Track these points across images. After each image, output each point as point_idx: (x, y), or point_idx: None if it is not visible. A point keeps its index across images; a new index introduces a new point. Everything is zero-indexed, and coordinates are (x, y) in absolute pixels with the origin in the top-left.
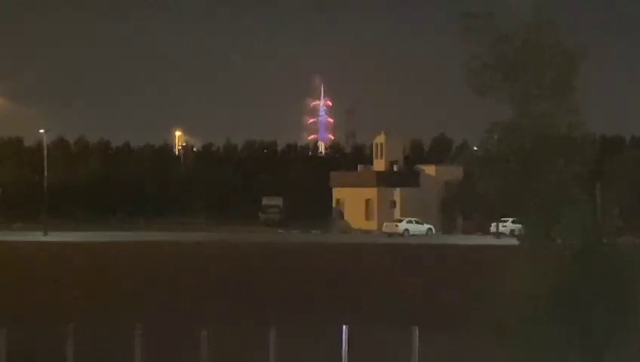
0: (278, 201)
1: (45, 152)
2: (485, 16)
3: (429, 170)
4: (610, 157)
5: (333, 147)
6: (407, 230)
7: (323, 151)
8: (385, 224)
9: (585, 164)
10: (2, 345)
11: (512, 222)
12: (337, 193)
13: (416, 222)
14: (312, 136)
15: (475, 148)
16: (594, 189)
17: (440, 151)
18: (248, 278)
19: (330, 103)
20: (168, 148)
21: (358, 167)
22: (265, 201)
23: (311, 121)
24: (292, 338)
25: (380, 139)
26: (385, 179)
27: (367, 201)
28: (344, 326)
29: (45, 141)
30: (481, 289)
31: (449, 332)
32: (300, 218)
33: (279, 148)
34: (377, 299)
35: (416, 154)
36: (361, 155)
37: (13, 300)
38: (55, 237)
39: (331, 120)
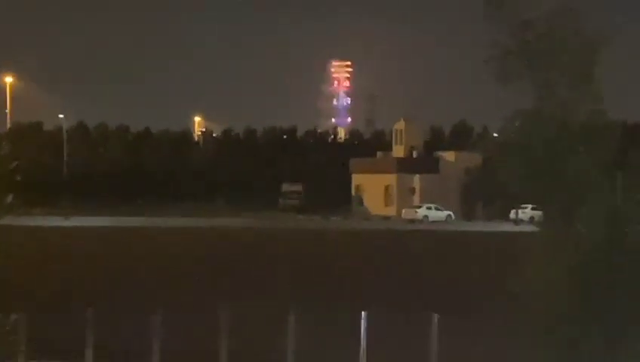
0: (297, 187)
1: (65, 137)
2: (508, 2)
3: (449, 156)
4: (633, 145)
5: (352, 133)
6: (426, 216)
7: (342, 137)
8: (404, 210)
9: (607, 151)
10: (22, 331)
11: (532, 208)
12: (357, 179)
13: (436, 209)
14: (331, 121)
15: (496, 135)
16: (616, 177)
17: (460, 137)
18: None
19: (351, 89)
20: (188, 133)
21: (378, 153)
22: (284, 188)
23: (331, 106)
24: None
25: (400, 125)
26: (404, 166)
27: (387, 188)
28: (363, 313)
29: (65, 126)
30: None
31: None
32: (319, 204)
33: (299, 134)
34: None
35: (436, 141)
36: (381, 142)
37: None
38: (76, 222)
39: (351, 105)
